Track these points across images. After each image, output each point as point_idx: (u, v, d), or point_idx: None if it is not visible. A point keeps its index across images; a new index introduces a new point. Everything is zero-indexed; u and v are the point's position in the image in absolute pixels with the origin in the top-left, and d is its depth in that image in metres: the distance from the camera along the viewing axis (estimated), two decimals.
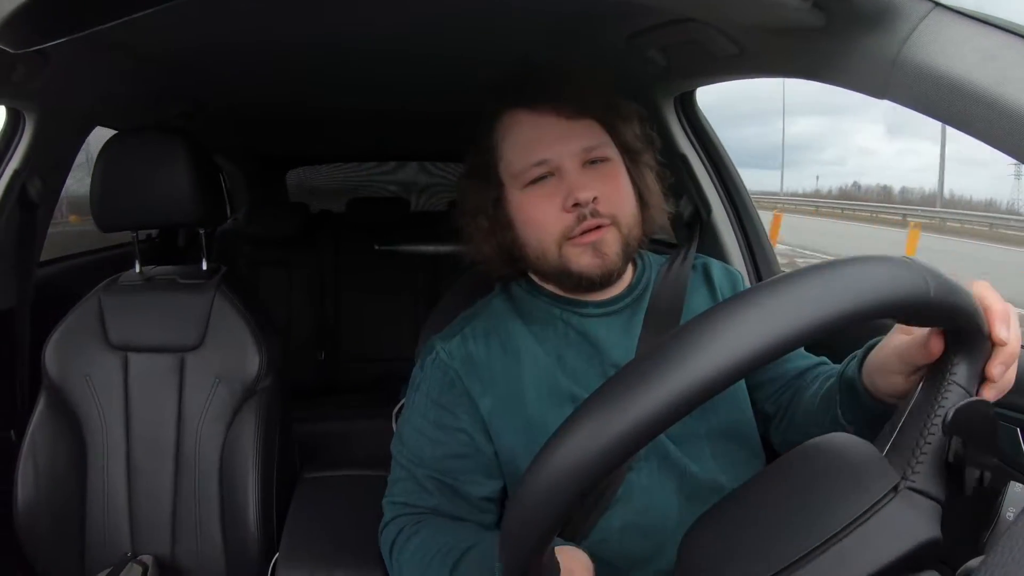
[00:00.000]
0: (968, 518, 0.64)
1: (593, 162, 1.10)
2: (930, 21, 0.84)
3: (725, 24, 1.18)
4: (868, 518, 0.58)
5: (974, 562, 0.54)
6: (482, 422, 1.12)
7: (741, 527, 0.64)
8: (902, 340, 0.81)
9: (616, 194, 1.10)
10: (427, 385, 1.15)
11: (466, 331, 1.16)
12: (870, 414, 0.90)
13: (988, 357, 0.70)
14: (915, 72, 0.85)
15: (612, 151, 1.12)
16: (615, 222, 1.09)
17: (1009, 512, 0.63)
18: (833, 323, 0.52)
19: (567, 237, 1.07)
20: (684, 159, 1.81)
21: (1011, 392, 1.07)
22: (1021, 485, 0.65)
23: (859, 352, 0.96)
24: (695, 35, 1.28)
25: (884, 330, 0.88)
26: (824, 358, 1.20)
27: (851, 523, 0.58)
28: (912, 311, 0.59)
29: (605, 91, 1.14)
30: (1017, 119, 0.75)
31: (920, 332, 0.75)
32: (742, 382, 1.17)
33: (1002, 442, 0.81)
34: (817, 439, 0.70)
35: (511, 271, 1.20)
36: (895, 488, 0.60)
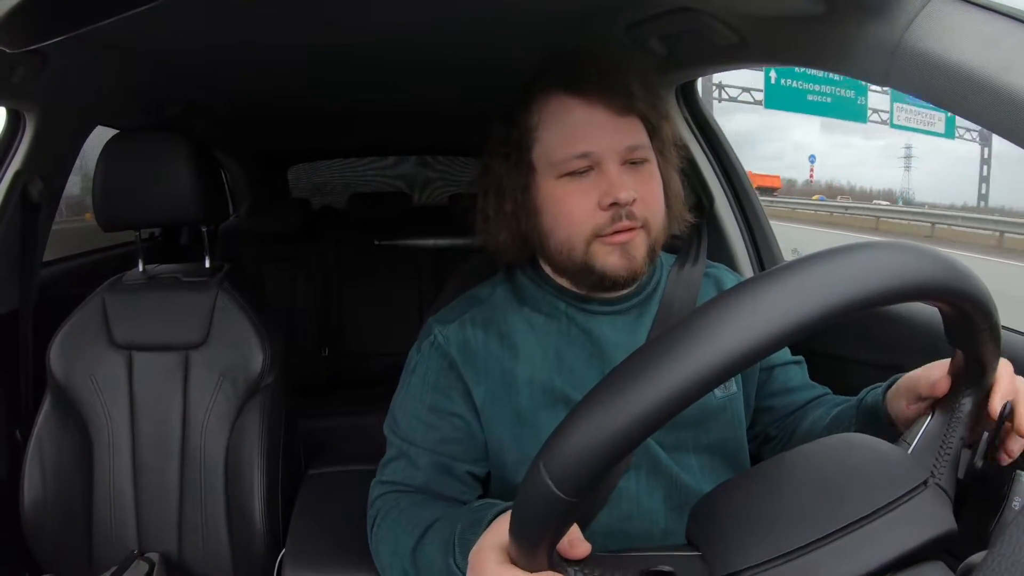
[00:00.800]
0: (972, 513, 0.69)
1: (633, 162, 1.06)
2: (932, 8, 0.84)
3: (724, 13, 1.18)
4: (901, 504, 0.63)
5: (976, 557, 0.55)
6: (476, 409, 1.11)
7: (773, 499, 0.66)
8: (915, 372, 0.87)
9: (651, 198, 1.07)
10: (423, 368, 1.14)
11: (465, 317, 1.14)
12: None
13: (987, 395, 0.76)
14: (917, 59, 0.85)
15: (651, 152, 1.09)
16: (646, 226, 1.06)
17: (1016, 501, 0.66)
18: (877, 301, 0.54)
19: (597, 235, 1.04)
20: (685, 149, 1.80)
21: None
22: None
23: (882, 384, 0.99)
24: (695, 24, 1.27)
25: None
26: (827, 389, 1.23)
27: (885, 506, 0.62)
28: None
29: (652, 87, 1.10)
30: (1020, 105, 0.75)
31: (930, 371, 0.82)
32: (741, 402, 1.17)
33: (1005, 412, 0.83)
34: (843, 435, 0.75)
35: (520, 257, 1.16)
36: (925, 482, 0.65)
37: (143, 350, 1.67)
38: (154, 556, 1.58)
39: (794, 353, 1.24)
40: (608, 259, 1.05)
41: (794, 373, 1.23)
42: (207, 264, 1.80)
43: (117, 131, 1.72)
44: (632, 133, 1.06)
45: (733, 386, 1.14)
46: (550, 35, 1.53)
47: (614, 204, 1.02)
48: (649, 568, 0.59)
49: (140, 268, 1.76)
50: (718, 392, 1.12)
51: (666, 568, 0.57)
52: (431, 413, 1.11)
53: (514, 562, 0.65)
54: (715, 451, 1.12)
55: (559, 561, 0.63)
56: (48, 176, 1.73)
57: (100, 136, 1.83)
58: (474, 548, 0.75)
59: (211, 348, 1.68)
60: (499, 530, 0.71)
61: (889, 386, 0.96)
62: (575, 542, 0.64)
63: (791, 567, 0.59)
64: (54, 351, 1.63)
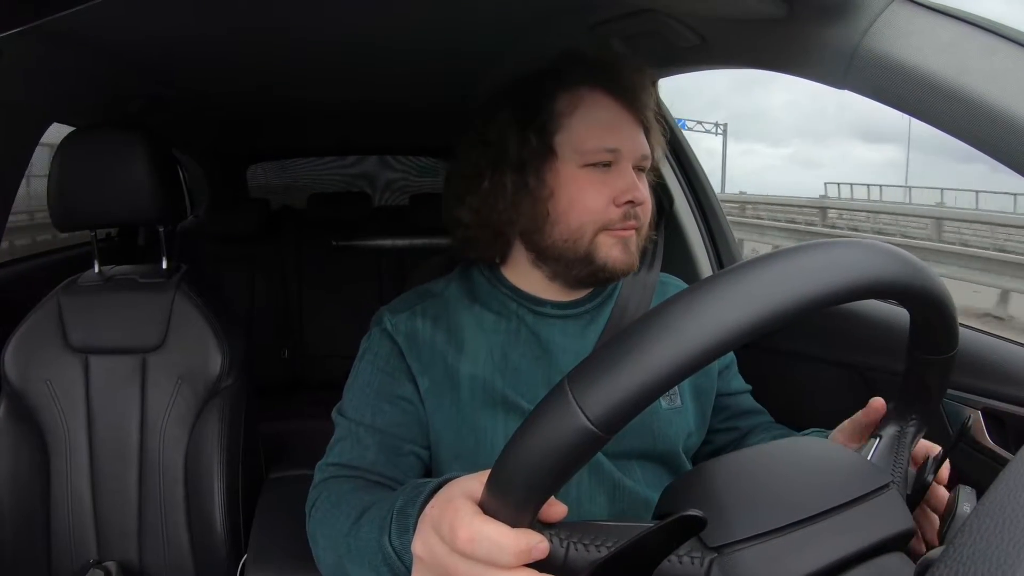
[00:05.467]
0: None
1: (639, 169, 1.11)
2: (891, 12, 0.85)
3: (687, 15, 1.19)
4: (869, 499, 0.66)
5: (934, 552, 0.56)
6: (421, 396, 1.12)
7: (751, 483, 0.67)
8: (846, 421, 0.90)
9: (648, 205, 1.12)
10: (372, 353, 1.15)
11: (416, 308, 1.15)
12: None
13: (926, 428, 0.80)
14: (875, 63, 0.86)
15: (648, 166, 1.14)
16: (639, 230, 1.11)
17: (965, 507, 0.70)
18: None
19: (605, 228, 1.08)
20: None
21: (973, 377, 1.11)
22: (968, 488, 0.72)
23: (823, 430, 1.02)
24: (657, 26, 1.27)
25: None
26: (767, 415, 1.28)
27: (855, 499, 0.65)
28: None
29: (660, 107, 1.16)
30: (976, 109, 0.77)
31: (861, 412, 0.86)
32: (689, 417, 1.18)
33: (967, 426, 0.86)
34: (808, 438, 0.80)
35: (488, 249, 1.17)
36: (887, 485, 0.68)
37: (100, 353, 1.64)
38: (111, 565, 1.55)
39: (752, 351, 1.26)
40: (612, 251, 1.08)
41: (748, 399, 1.29)
42: (164, 265, 1.77)
43: (73, 128, 1.69)
44: (645, 143, 1.12)
45: (678, 400, 1.17)
46: (514, 35, 1.53)
47: (629, 203, 1.07)
48: (644, 532, 0.57)
49: (96, 269, 1.73)
50: (664, 403, 1.15)
51: (696, 512, 0.56)
52: (379, 397, 1.12)
53: (491, 516, 0.59)
54: (658, 460, 1.14)
55: (534, 523, 0.60)
56: (2, 175, 1.69)
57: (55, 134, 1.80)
58: (437, 499, 0.68)
59: (169, 351, 1.65)
60: (466, 484, 0.65)
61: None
62: (551, 501, 0.60)
63: (777, 543, 0.61)
64: (8, 355, 1.59)
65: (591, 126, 1.09)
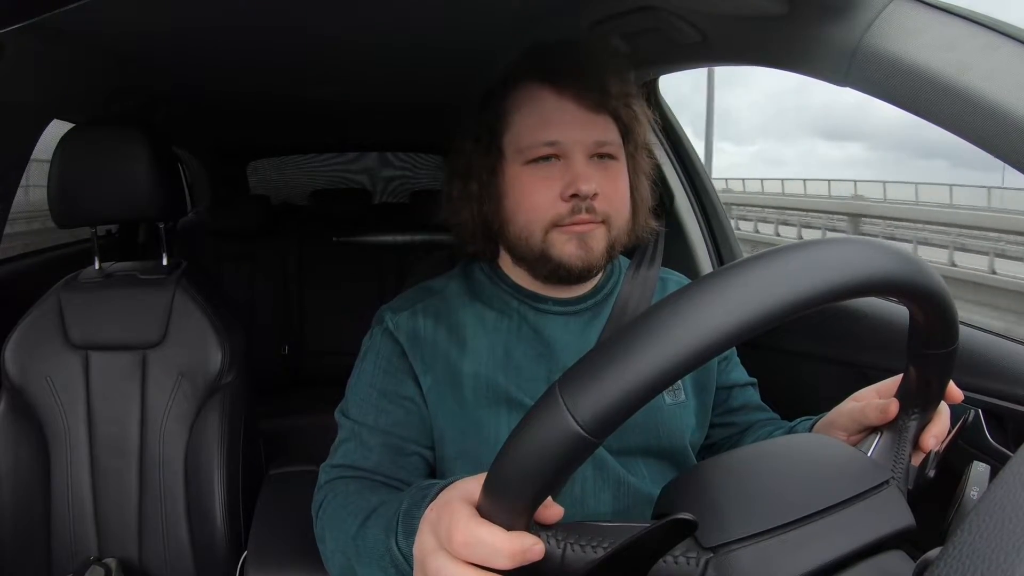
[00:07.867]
0: (930, 507, 0.72)
1: (600, 157, 1.06)
2: (892, 10, 0.85)
3: (687, 12, 1.18)
4: (868, 497, 0.66)
5: (933, 552, 0.56)
6: (423, 395, 1.11)
7: (749, 482, 0.67)
8: (856, 405, 0.87)
9: (615, 195, 1.07)
10: (374, 354, 1.14)
11: (417, 307, 1.14)
12: None
13: (928, 422, 0.80)
14: (876, 60, 0.86)
15: (620, 151, 1.09)
16: (607, 222, 1.06)
17: (973, 491, 0.68)
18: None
19: (556, 224, 1.04)
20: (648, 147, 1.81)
21: (973, 375, 1.11)
22: (983, 464, 0.70)
23: (813, 418, 1.01)
24: (658, 23, 1.27)
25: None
26: (775, 415, 1.25)
27: (853, 497, 0.65)
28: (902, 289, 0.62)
29: (629, 89, 1.10)
30: (978, 107, 0.77)
31: (873, 400, 0.84)
32: (691, 411, 1.17)
33: (966, 424, 0.85)
34: (809, 435, 0.81)
35: (480, 247, 1.16)
36: (887, 482, 0.68)
37: (100, 350, 1.64)
38: (111, 561, 1.55)
39: (753, 349, 1.26)
40: (565, 248, 1.05)
41: (751, 394, 1.26)
42: (165, 261, 1.77)
43: (74, 125, 1.69)
44: (602, 129, 1.06)
45: (682, 395, 1.15)
46: (513, 32, 1.53)
47: (575, 196, 1.02)
48: (639, 533, 0.57)
49: (96, 266, 1.73)
50: (667, 398, 1.14)
51: (687, 516, 0.56)
52: (382, 397, 1.11)
53: (487, 519, 0.60)
54: (663, 456, 1.13)
55: (531, 524, 0.60)
56: (3, 171, 1.69)
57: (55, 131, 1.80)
58: (436, 503, 0.68)
59: (169, 347, 1.65)
60: (464, 487, 0.65)
61: (815, 422, 0.98)
62: (547, 503, 0.61)
63: (773, 543, 0.61)
64: (9, 352, 1.59)
65: (527, 122, 1.06)
